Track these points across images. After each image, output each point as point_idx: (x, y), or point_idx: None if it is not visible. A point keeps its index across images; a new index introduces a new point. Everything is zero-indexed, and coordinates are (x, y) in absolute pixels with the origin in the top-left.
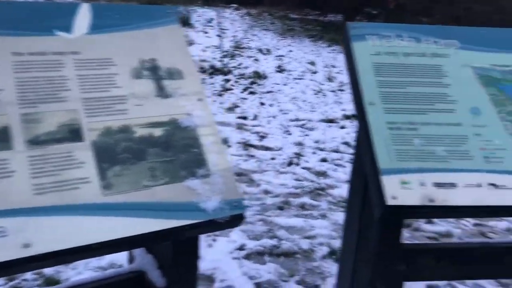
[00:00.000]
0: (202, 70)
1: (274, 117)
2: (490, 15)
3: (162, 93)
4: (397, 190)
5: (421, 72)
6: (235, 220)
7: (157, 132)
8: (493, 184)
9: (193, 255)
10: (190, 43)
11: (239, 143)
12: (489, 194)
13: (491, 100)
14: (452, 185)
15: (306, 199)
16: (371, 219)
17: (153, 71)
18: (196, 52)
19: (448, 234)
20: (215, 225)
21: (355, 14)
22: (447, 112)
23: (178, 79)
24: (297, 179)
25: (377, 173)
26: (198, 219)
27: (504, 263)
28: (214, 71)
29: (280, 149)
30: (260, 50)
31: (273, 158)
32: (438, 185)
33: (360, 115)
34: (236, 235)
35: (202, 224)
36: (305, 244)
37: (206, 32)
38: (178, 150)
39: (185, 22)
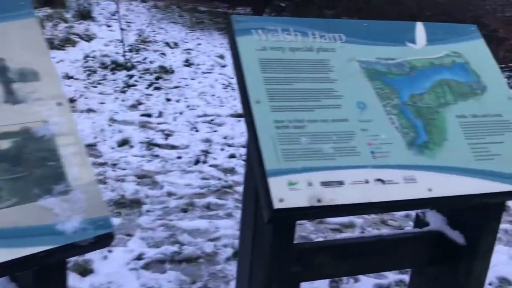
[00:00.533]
0: (104, 66)
1: (180, 113)
2: (388, 8)
3: (11, 98)
4: (285, 192)
5: (308, 68)
6: (102, 241)
7: (5, 144)
8: (380, 180)
9: (59, 282)
10: (91, 37)
11: (142, 142)
12: (377, 190)
13: (377, 94)
14: (340, 183)
15: (211, 199)
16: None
17: (0, 73)
18: (98, 47)
19: (351, 225)
20: (77, 249)
21: (263, 7)
22: (334, 108)
23: (32, 81)
24: (203, 178)
25: (264, 175)
26: (55, 244)
27: (397, 254)
28: (117, 66)
29: (186, 147)
30: (167, 44)
31: (179, 157)
32: (326, 184)
33: (246, 114)
34: (134, 244)
35: (60, 249)
36: (208, 247)
37: (109, 26)
38: (31, 164)
39: (86, 15)
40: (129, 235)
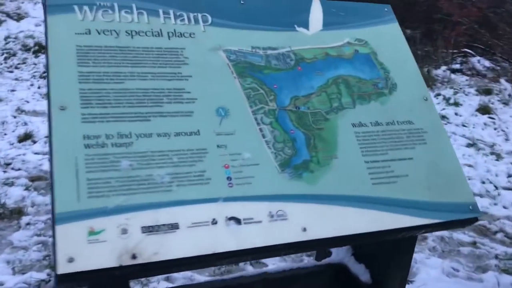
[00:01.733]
0: (26, 48)
1: None
2: None
3: None
4: (80, 247)
5: (151, 59)
6: None
7: None
8: (234, 219)
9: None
10: (22, 16)
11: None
12: (227, 235)
13: (246, 96)
14: (172, 227)
15: None
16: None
17: None
18: (26, 27)
19: None
20: None
21: None
22: (181, 116)
23: None
24: None
25: (53, 222)
26: None
27: None
28: (41, 48)
29: None
30: None
31: None
32: (149, 229)
33: (48, 126)
34: None
35: None
36: None
37: None
38: None
39: None
40: None
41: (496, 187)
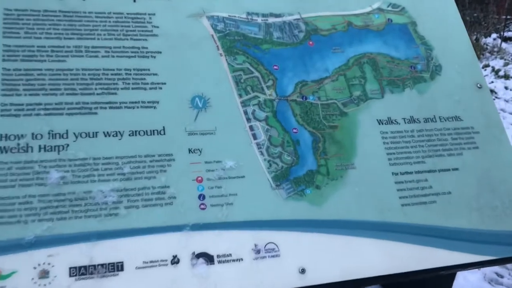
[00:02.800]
0: None
1: None
2: None
3: None
4: None
5: (107, 29)
6: None
7: None
8: (205, 256)
9: None
10: None
11: None
12: (192, 282)
13: (234, 80)
14: (115, 268)
15: None
16: None
17: None
18: None
19: None
20: None
21: None
22: (142, 107)
23: None
24: None
25: None
26: None
27: None
28: None
29: None
30: None
31: None
32: (82, 271)
33: None
34: None
35: None
36: None
37: None
38: None
39: None
40: None
41: None
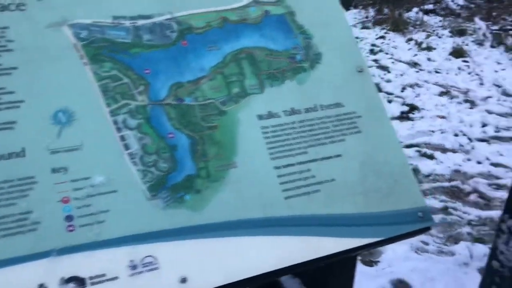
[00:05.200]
0: None
1: None
2: None
3: None
4: None
5: None
6: None
7: None
8: (76, 280)
9: None
10: None
11: None
12: None
13: (102, 89)
14: None
15: None
16: None
17: None
18: None
19: None
20: None
21: None
22: (1, 129)
23: None
24: None
25: None
26: None
27: None
28: None
29: None
30: None
31: None
32: None
33: None
34: None
35: None
36: None
37: None
38: None
39: None
40: None
41: (470, 139)
